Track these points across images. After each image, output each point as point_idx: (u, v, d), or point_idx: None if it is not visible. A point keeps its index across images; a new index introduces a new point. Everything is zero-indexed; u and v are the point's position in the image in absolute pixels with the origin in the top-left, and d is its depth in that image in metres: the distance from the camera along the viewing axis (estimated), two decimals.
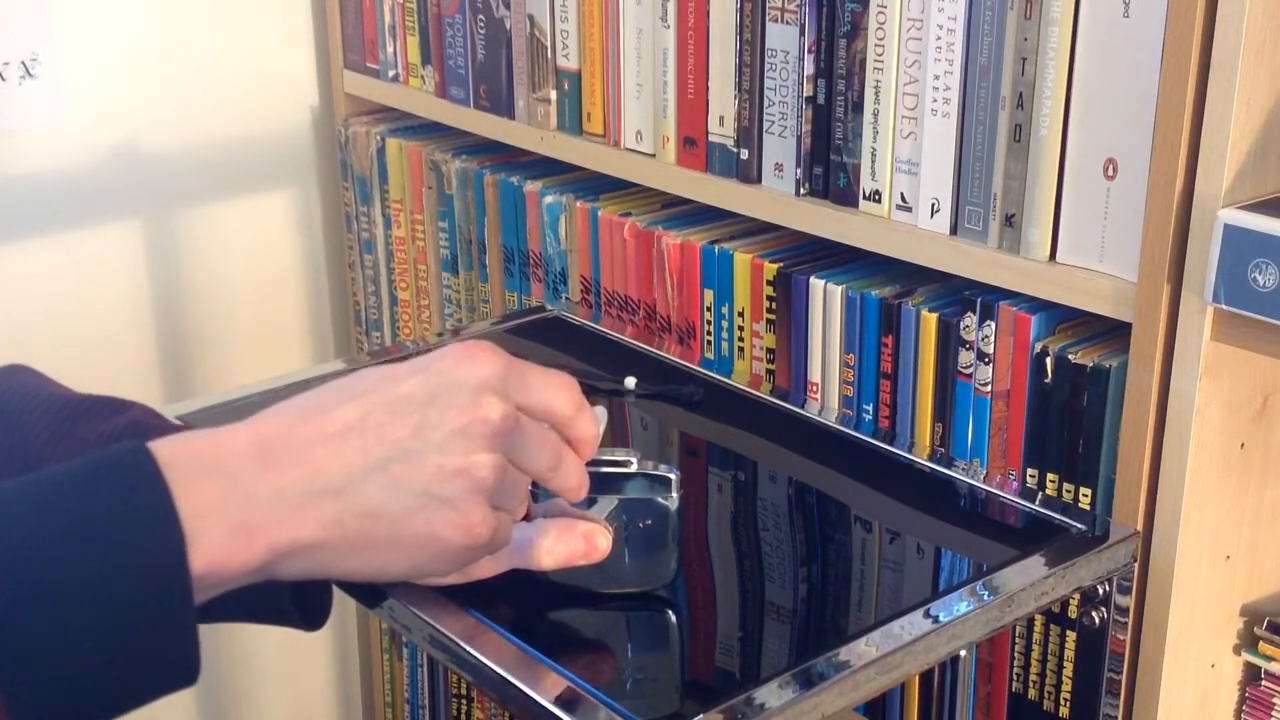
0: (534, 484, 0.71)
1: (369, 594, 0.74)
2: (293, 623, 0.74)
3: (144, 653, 0.54)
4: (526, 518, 0.71)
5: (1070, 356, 0.86)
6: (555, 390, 0.65)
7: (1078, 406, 0.86)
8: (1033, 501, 0.86)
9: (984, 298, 0.90)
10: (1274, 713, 0.90)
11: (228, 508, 0.56)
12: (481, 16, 1.23)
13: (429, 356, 0.63)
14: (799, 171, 1.00)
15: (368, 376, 0.62)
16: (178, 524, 0.53)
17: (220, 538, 0.55)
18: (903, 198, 0.94)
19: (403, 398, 0.61)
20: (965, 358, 0.92)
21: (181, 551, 0.53)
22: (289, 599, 0.72)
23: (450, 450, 0.60)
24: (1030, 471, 0.90)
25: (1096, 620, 0.87)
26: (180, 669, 0.55)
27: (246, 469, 0.57)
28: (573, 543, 0.69)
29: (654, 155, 1.11)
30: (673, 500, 0.72)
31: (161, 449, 0.55)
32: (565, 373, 0.66)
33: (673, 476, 0.72)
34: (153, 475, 0.54)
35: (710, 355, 1.09)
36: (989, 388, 0.91)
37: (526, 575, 0.72)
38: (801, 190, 1.00)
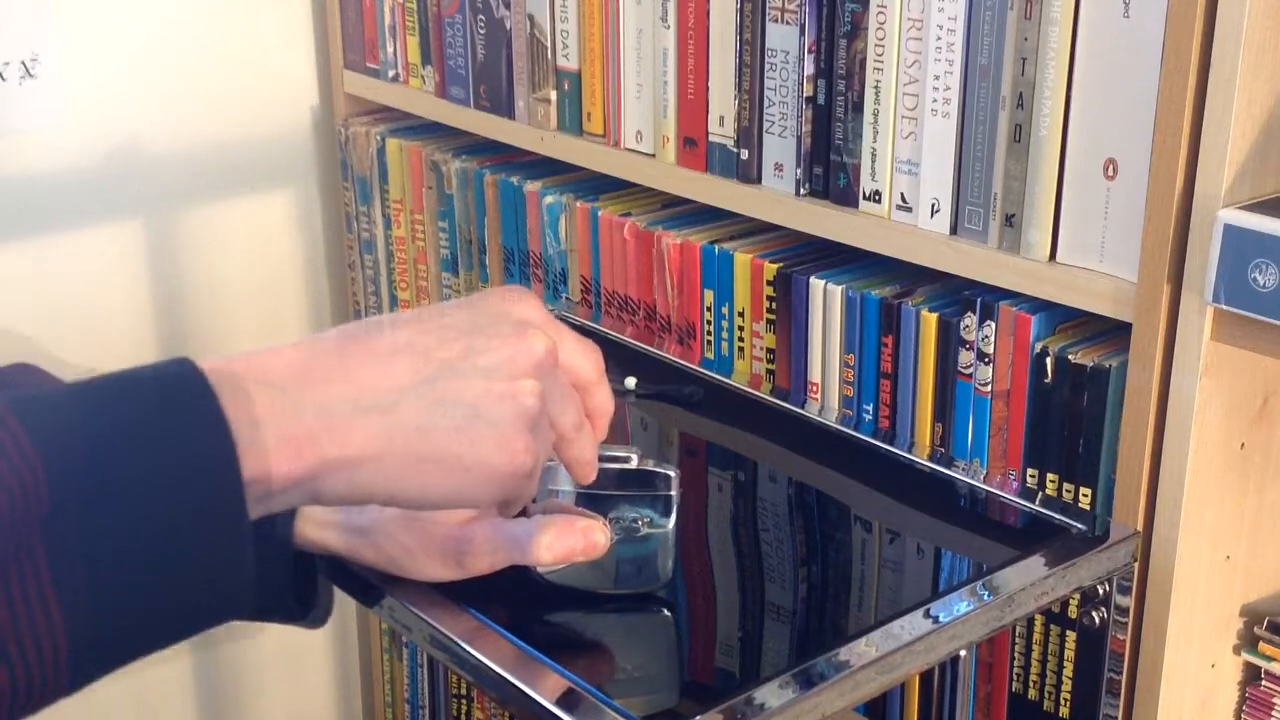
0: None
1: (367, 591, 0.74)
2: (294, 619, 0.74)
3: (196, 556, 0.52)
4: (524, 514, 0.71)
5: (1070, 356, 0.86)
6: (584, 353, 0.66)
7: (1078, 406, 0.86)
8: (1033, 501, 0.86)
9: (984, 298, 0.90)
10: (1274, 713, 0.90)
11: (276, 418, 0.55)
12: (481, 16, 1.23)
13: (470, 296, 0.64)
14: (799, 171, 1.00)
15: (410, 310, 0.63)
16: (225, 424, 0.53)
17: (268, 445, 0.55)
18: (903, 198, 0.94)
19: (449, 325, 0.61)
20: (965, 358, 0.92)
21: (231, 449, 0.53)
22: (291, 594, 0.72)
23: (497, 374, 0.60)
24: (1030, 471, 0.90)
25: (1096, 620, 0.87)
26: (233, 579, 0.54)
27: (294, 383, 0.57)
28: (571, 538, 0.69)
29: (654, 155, 1.11)
30: (672, 498, 0.72)
31: (207, 363, 0.55)
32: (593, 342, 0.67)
33: (672, 474, 0.72)
34: (199, 383, 0.53)
35: (710, 355, 1.09)
36: (989, 388, 0.91)
37: (526, 576, 0.73)
38: (801, 190, 1.00)
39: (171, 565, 0.52)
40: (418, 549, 0.71)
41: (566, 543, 0.70)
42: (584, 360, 0.66)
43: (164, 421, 0.52)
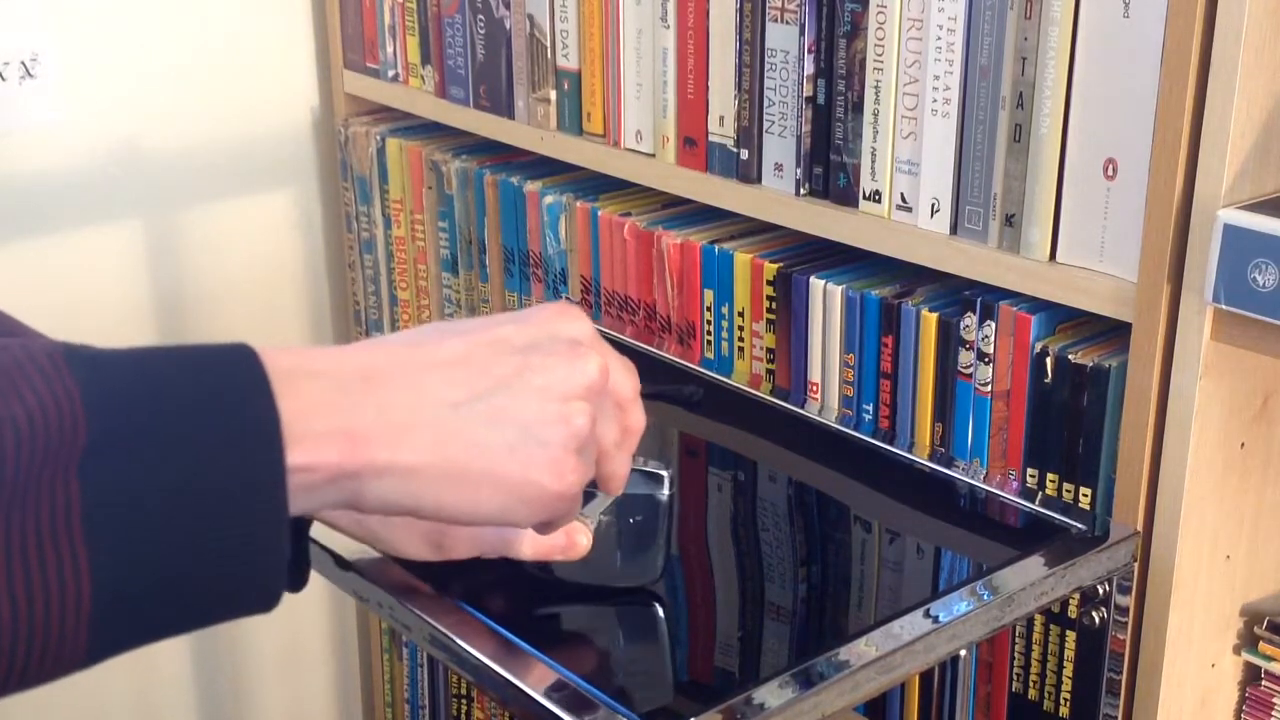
0: None
1: (338, 562, 0.74)
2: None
3: (230, 527, 0.51)
4: None
5: (1070, 356, 0.86)
6: (625, 373, 0.66)
7: (1078, 406, 0.86)
8: (1033, 501, 0.86)
9: (984, 298, 0.90)
10: (1274, 713, 0.90)
11: (328, 411, 0.55)
12: (481, 16, 1.23)
13: (520, 311, 0.64)
14: (799, 171, 1.00)
15: (462, 320, 0.62)
16: (272, 400, 0.52)
17: (318, 433, 0.54)
18: (903, 198, 0.94)
19: (504, 339, 0.61)
20: (965, 358, 0.92)
21: (275, 425, 0.51)
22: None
23: (550, 395, 0.60)
24: (1030, 471, 0.90)
25: (1096, 620, 0.87)
26: (265, 561, 0.53)
27: (351, 382, 0.56)
28: (554, 538, 0.70)
29: (654, 155, 1.11)
30: (665, 495, 0.72)
31: (266, 350, 0.54)
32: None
33: (665, 472, 0.73)
34: (252, 361, 0.52)
35: (710, 355, 1.09)
36: (989, 388, 0.91)
37: (521, 571, 0.73)
38: (801, 190, 1.00)
39: (204, 530, 0.50)
40: (399, 524, 0.71)
41: (549, 541, 0.70)
42: (625, 380, 0.66)
43: (211, 388, 0.51)
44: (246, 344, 0.53)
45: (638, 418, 0.67)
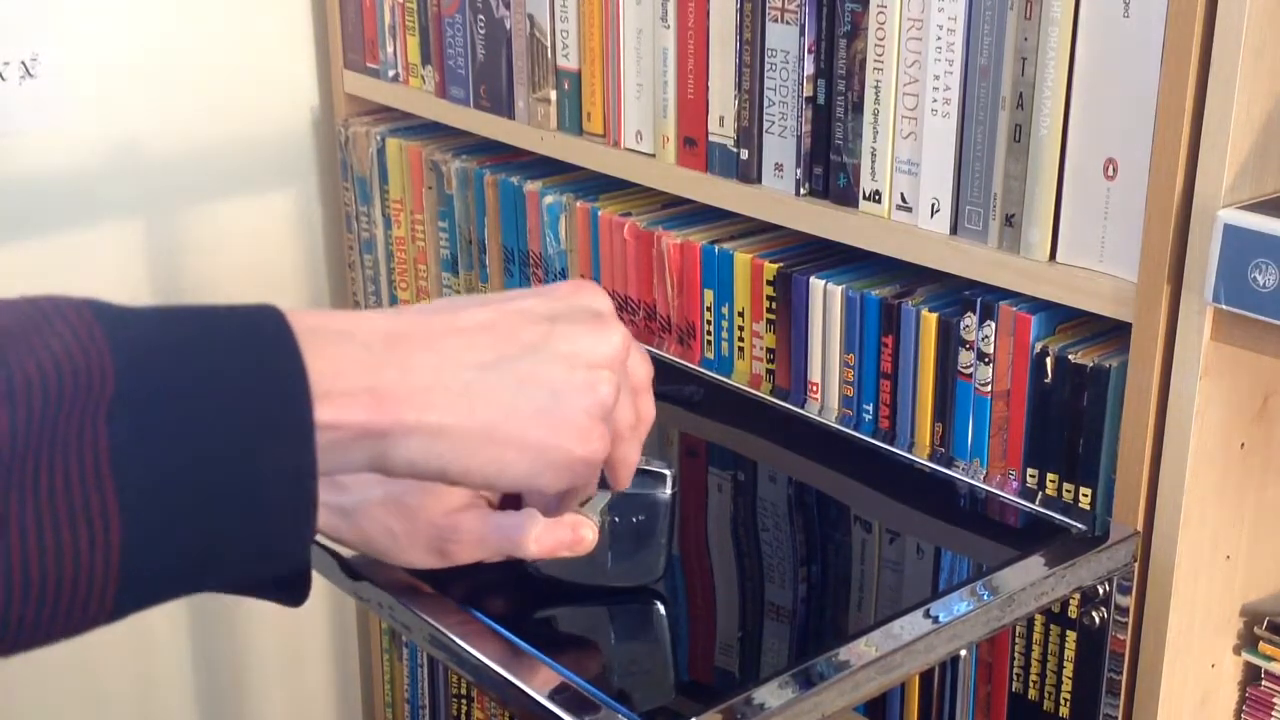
0: None
1: (347, 572, 0.74)
2: (271, 594, 0.73)
3: (260, 478, 0.51)
4: (517, 506, 0.71)
5: (1070, 356, 0.86)
6: (640, 357, 0.66)
7: (1078, 406, 0.86)
8: (1033, 501, 0.86)
9: (984, 298, 0.90)
10: (1274, 713, 0.90)
11: (357, 370, 0.54)
12: (481, 16, 1.23)
13: (540, 286, 0.64)
14: (799, 171, 1.00)
15: (480, 294, 0.62)
16: (298, 354, 0.51)
17: (347, 390, 0.53)
18: (903, 198, 0.94)
19: (528, 309, 0.61)
20: (965, 358, 0.92)
21: (303, 379, 0.51)
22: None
23: (576, 362, 0.60)
24: (1030, 471, 0.90)
25: (1096, 620, 0.87)
26: (293, 513, 0.52)
27: (377, 345, 0.56)
28: (560, 532, 0.69)
29: (654, 155, 1.11)
30: (667, 494, 0.72)
31: (291, 311, 0.53)
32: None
33: (667, 472, 0.73)
34: (279, 320, 0.52)
35: (710, 355, 1.09)
36: (989, 388, 0.91)
37: (521, 570, 0.73)
38: (801, 190, 1.00)
39: (233, 483, 0.50)
40: (401, 534, 0.71)
41: (555, 536, 0.69)
42: (640, 365, 0.66)
43: (238, 344, 0.51)
44: (272, 304, 0.53)
45: (649, 406, 0.67)
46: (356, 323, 0.56)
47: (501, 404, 0.58)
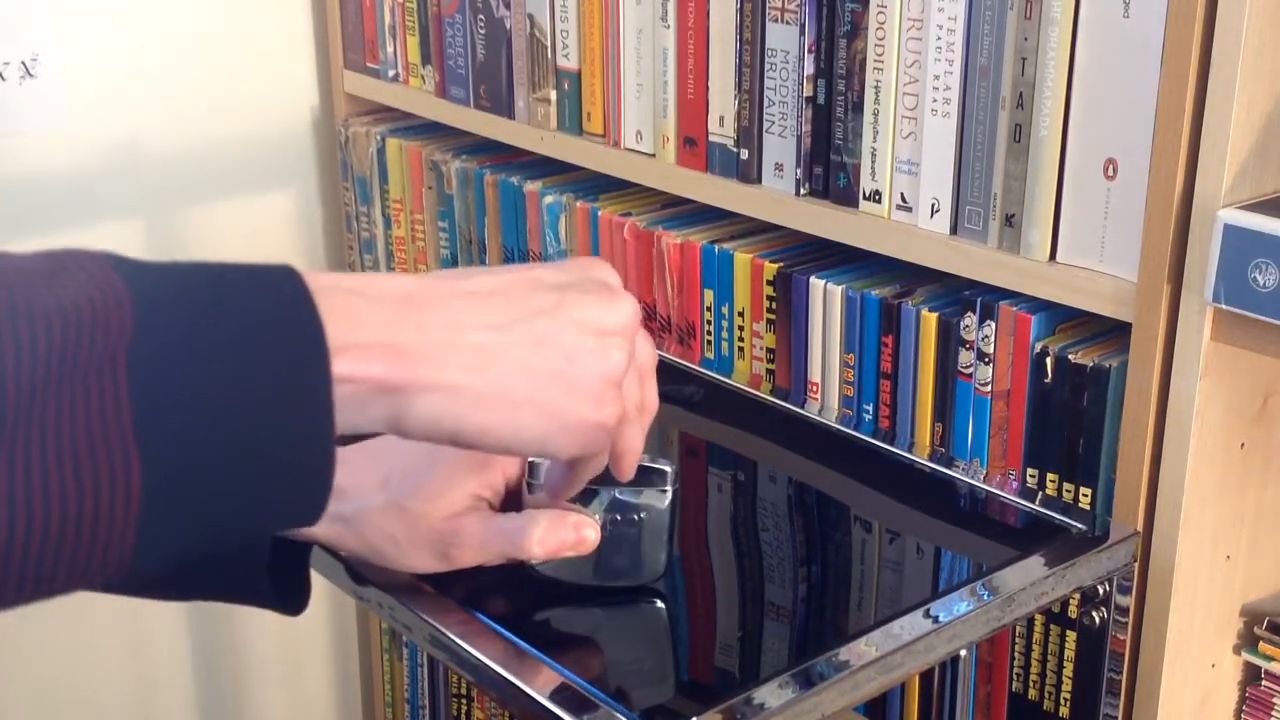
0: (530, 474, 0.71)
1: (353, 577, 0.74)
2: (270, 604, 0.73)
3: (278, 426, 0.50)
4: (519, 508, 0.71)
5: (1070, 356, 0.86)
6: (646, 342, 0.66)
7: (1078, 406, 0.86)
8: (1033, 501, 0.86)
9: (984, 298, 0.90)
10: (1274, 713, 0.90)
11: (374, 327, 0.54)
12: (481, 16, 1.23)
13: (549, 261, 0.63)
14: (799, 171, 1.00)
15: (489, 266, 0.62)
16: (314, 308, 0.51)
17: (363, 347, 0.53)
18: (903, 198, 0.94)
19: (538, 278, 0.61)
20: (965, 358, 0.92)
21: (319, 330, 0.51)
22: (267, 580, 0.71)
23: (587, 328, 0.60)
24: (1030, 471, 0.90)
25: (1096, 620, 0.87)
26: (312, 466, 0.52)
27: (394, 304, 0.56)
28: (563, 532, 0.69)
29: (654, 155, 1.11)
30: (668, 493, 0.72)
31: (305, 271, 0.53)
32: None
33: (669, 470, 0.72)
34: (294, 276, 0.52)
35: (710, 355, 1.09)
36: (989, 388, 0.91)
37: (521, 571, 0.73)
38: (801, 190, 1.00)
39: (251, 431, 0.50)
40: (404, 539, 0.71)
41: (557, 536, 0.69)
42: (646, 349, 0.66)
43: (255, 297, 0.51)
44: (287, 263, 0.53)
45: (653, 395, 0.67)
46: (371, 283, 0.56)
47: (515, 365, 0.58)
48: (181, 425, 0.48)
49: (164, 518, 0.49)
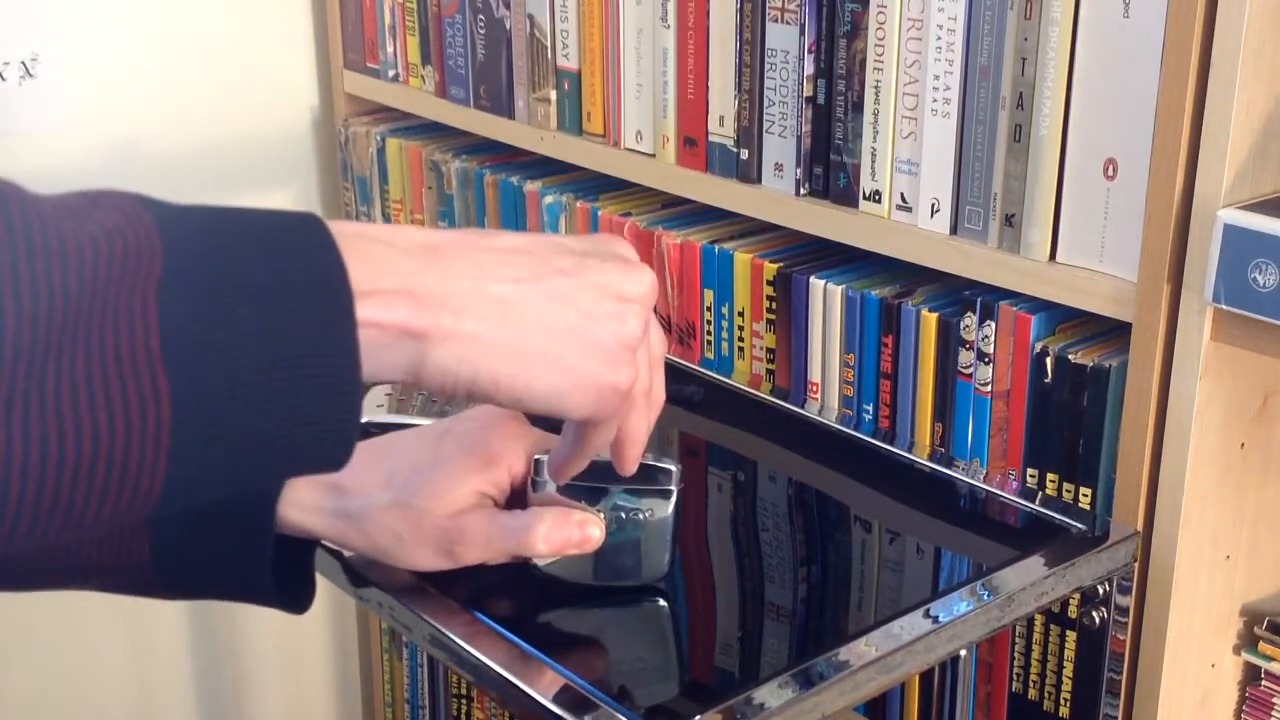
0: (535, 472, 0.71)
1: (353, 578, 0.74)
2: (275, 602, 0.73)
3: (304, 366, 0.50)
4: (523, 506, 0.71)
5: (1070, 356, 0.86)
6: (658, 331, 0.66)
7: (1078, 406, 0.86)
8: (1033, 501, 0.87)
9: (984, 298, 0.90)
10: (1274, 713, 0.90)
11: (397, 274, 0.55)
12: (481, 16, 1.23)
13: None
14: (799, 171, 1.00)
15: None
16: (337, 251, 0.51)
17: (386, 292, 0.54)
18: (903, 198, 0.94)
19: (560, 243, 0.62)
20: (965, 358, 0.92)
21: (342, 271, 0.51)
22: (272, 578, 0.71)
23: (607, 292, 0.60)
24: (1030, 471, 0.90)
25: (1096, 620, 0.87)
26: (338, 407, 0.52)
27: (417, 252, 0.56)
28: (568, 530, 0.69)
29: (654, 155, 1.11)
30: (672, 493, 0.72)
31: (332, 221, 0.54)
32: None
33: (674, 470, 0.72)
34: (318, 222, 0.52)
35: (710, 355, 1.09)
36: (989, 388, 0.91)
37: (523, 571, 0.73)
38: (801, 190, 1.00)
39: (279, 370, 0.50)
40: (409, 537, 0.71)
41: (562, 534, 0.70)
42: (658, 336, 0.66)
43: (280, 240, 0.51)
44: (309, 213, 0.53)
45: (660, 388, 0.67)
46: (394, 233, 0.57)
47: (534, 318, 0.58)
48: (210, 359, 0.48)
49: (193, 451, 0.49)
